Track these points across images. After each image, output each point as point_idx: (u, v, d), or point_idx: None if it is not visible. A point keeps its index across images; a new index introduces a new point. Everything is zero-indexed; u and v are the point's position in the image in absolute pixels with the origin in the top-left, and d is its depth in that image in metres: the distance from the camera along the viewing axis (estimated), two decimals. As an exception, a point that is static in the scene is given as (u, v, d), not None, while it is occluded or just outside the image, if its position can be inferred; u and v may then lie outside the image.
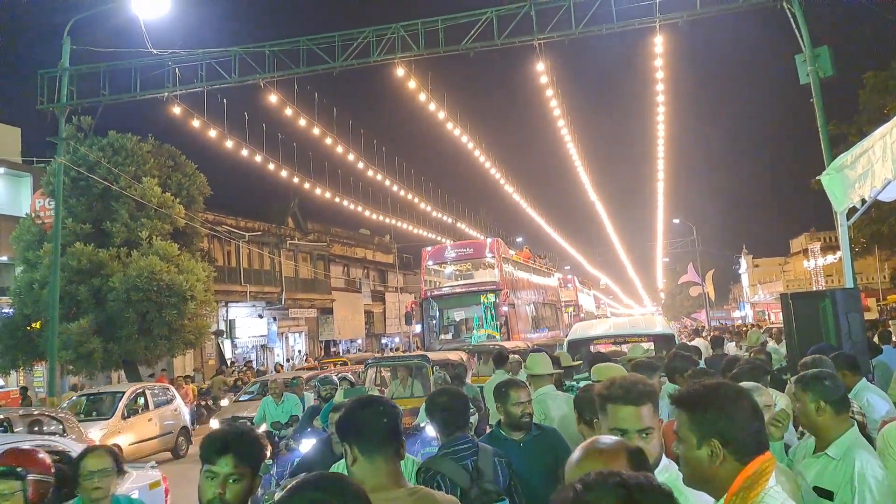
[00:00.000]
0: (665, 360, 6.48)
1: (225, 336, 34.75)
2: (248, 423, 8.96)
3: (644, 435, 2.43)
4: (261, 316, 38.31)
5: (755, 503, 1.96)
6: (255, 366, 34.23)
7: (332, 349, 45.24)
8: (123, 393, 15.21)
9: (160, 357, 20.98)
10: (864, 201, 6.88)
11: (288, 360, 38.79)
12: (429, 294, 23.88)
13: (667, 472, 2.47)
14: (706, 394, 2.10)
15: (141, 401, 15.48)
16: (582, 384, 6.18)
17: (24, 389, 20.89)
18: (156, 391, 16.48)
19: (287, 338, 42.30)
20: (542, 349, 13.58)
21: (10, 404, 20.58)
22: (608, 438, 2.06)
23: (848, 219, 8.02)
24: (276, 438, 9.78)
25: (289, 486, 1.88)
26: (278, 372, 24.70)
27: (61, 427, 11.28)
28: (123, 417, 14.63)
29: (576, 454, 1.88)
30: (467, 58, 16.60)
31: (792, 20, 13.24)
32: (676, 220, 51.30)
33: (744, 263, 74.46)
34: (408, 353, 23.78)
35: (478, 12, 15.75)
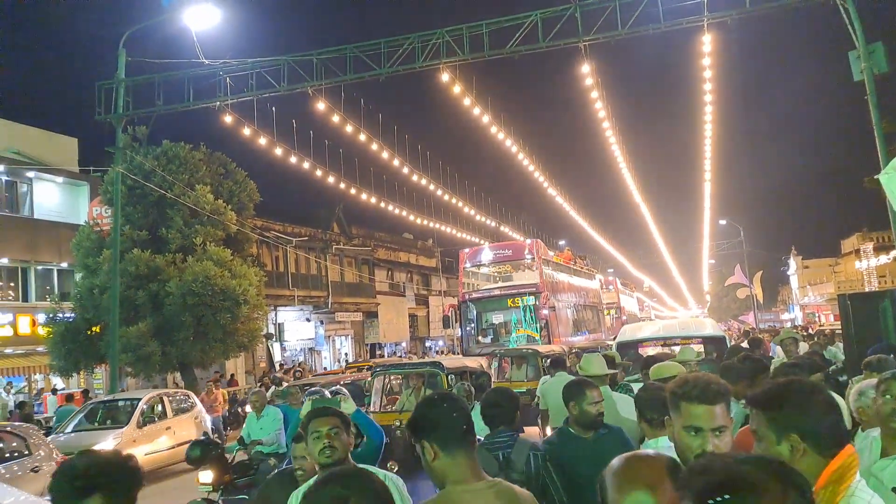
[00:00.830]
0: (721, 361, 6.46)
1: (274, 339, 35.39)
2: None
3: (717, 433, 2.44)
4: (308, 320, 38.91)
5: (846, 496, 1.97)
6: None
7: (378, 352, 45.64)
8: (140, 400, 14.47)
9: (215, 359, 21.50)
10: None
11: (337, 363, 39.32)
12: (466, 297, 23.56)
13: None
14: (780, 391, 2.14)
15: (159, 408, 14.82)
16: (635, 386, 6.22)
17: (85, 392, 21.55)
18: (176, 398, 15.84)
19: (334, 341, 42.83)
20: (595, 350, 13.45)
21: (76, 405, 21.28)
22: (648, 451, 2.15)
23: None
24: (249, 459, 9.47)
25: (315, 480, 1.92)
26: (301, 373, 24.78)
27: (24, 443, 10.03)
28: (139, 426, 13.89)
29: (615, 463, 1.87)
30: (511, 61, 16.71)
31: (845, 16, 13.00)
32: (723, 221, 50.42)
33: (793, 265, 72.74)
34: (424, 360, 23.39)
35: (522, 16, 15.76)
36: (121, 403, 14.84)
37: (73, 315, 20.84)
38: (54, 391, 23.16)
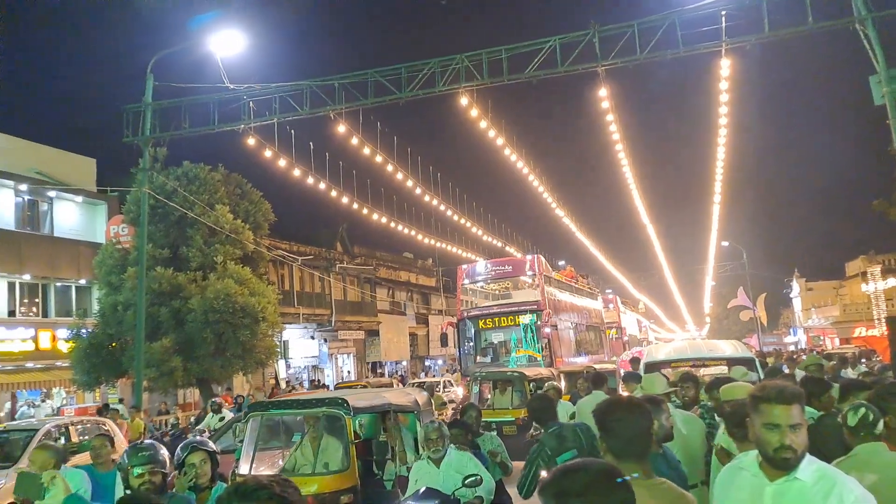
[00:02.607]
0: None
1: (279, 357, 35.67)
2: None
3: (793, 429, 2.73)
4: (313, 337, 39.15)
5: None
6: (305, 386, 35.01)
7: (378, 370, 45.90)
8: (36, 431, 11.69)
9: (233, 375, 21.86)
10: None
11: (340, 381, 39.56)
12: (465, 314, 22.44)
13: (814, 464, 2.80)
14: None
15: (63, 441, 12.04)
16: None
17: (106, 406, 21.83)
18: (86, 428, 13.14)
19: (336, 359, 43.07)
20: (598, 373, 13.48)
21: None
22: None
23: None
24: None
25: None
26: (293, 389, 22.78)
27: None
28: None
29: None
30: (527, 85, 17.21)
31: (865, 41, 13.28)
32: (725, 243, 50.63)
33: (796, 287, 71.60)
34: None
35: (541, 41, 16.02)
36: (13, 437, 12.02)
37: (87, 330, 21.00)
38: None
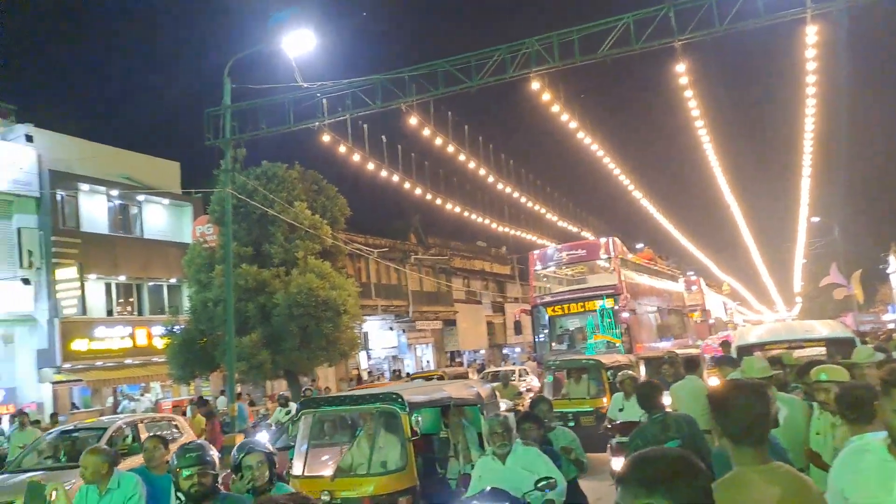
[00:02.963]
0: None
1: (360, 348, 36.41)
2: None
3: None
4: (391, 328, 39.84)
5: None
6: (387, 377, 35.61)
7: (457, 359, 46.25)
8: (105, 430, 11.61)
9: (318, 366, 22.48)
10: None
11: (420, 371, 40.06)
12: (538, 301, 21.99)
13: None
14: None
15: (130, 440, 12.06)
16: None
17: (200, 398, 22.77)
18: (157, 425, 13.04)
19: (415, 349, 43.68)
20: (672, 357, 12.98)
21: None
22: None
23: None
24: None
25: (633, 457, 1.97)
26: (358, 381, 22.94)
27: None
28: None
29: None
30: (599, 66, 16.89)
31: None
32: (816, 219, 48.64)
33: (893, 262, 69.28)
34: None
35: (613, 19, 15.63)
36: (82, 435, 11.95)
37: (179, 327, 21.88)
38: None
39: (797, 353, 10.38)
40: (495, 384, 14.93)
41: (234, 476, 4.30)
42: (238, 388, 23.84)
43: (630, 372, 10.09)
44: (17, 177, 23.13)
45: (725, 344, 17.72)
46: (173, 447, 10.40)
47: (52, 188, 23.91)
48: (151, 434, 6.90)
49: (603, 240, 23.85)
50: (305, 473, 6.70)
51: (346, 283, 21.41)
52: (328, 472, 6.85)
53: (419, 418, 6.62)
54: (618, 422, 9.46)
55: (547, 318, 21.73)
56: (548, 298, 22.26)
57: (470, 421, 7.61)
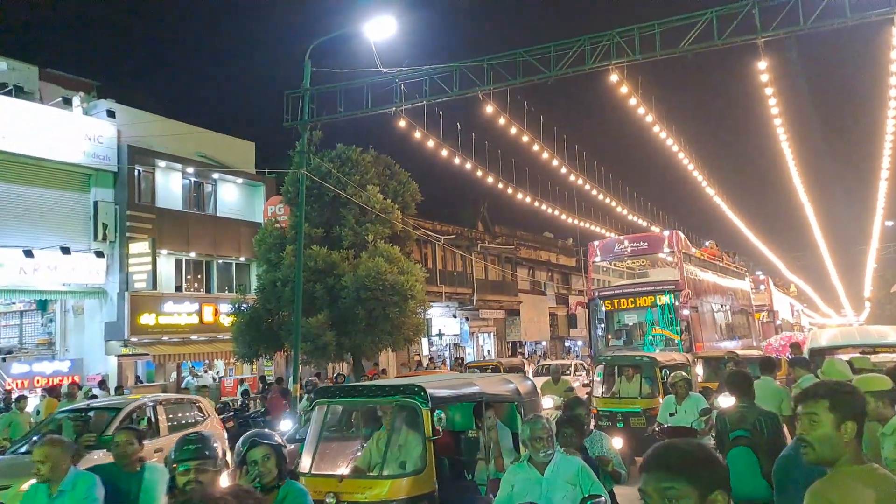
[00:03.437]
0: None
1: (424, 334, 36.81)
2: None
3: None
4: (454, 316, 40.10)
5: None
6: (449, 365, 35.90)
7: (518, 350, 46.31)
8: (119, 410, 10.84)
9: (383, 350, 22.84)
10: None
11: (483, 359, 40.29)
12: (596, 294, 21.54)
13: None
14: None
15: (145, 423, 11.09)
16: None
17: (262, 378, 23.52)
18: (178, 407, 12.40)
19: (477, 338, 43.90)
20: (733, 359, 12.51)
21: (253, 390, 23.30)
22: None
23: None
24: None
25: (656, 446, 2.16)
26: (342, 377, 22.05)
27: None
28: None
29: None
30: (678, 60, 16.76)
31: None
32: (890, 223, 47.55)
33: None
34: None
35: (696, 14, 15.67)
36: (98, 415, 11.15)
37: (246, 305, 22.48)
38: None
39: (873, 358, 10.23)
40: (545, 378, 14.66)
41: (239, 471, 3.90)
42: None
43: (684, 373, 9.72)
44: (96, 151, 24.11)
45: (795, 346, 17.42)
46: (199, 429, 10.56)
47: (130, 163, 24.93)
48: (123, 427, 5.84)
49: (666, 233, 23.29)
50: (313, 471, 6.05)
51: (414, 269, 21.79)
52: (338, 471, 6.29)
53: (442, 415, 5.91)
54: (667, 426, 9.06)
55: (604, 311, 21.25)
56: (606, 291, 21.85)
57: (505, 420, 7.08)
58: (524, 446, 5.03)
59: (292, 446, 8.57)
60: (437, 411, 5.87)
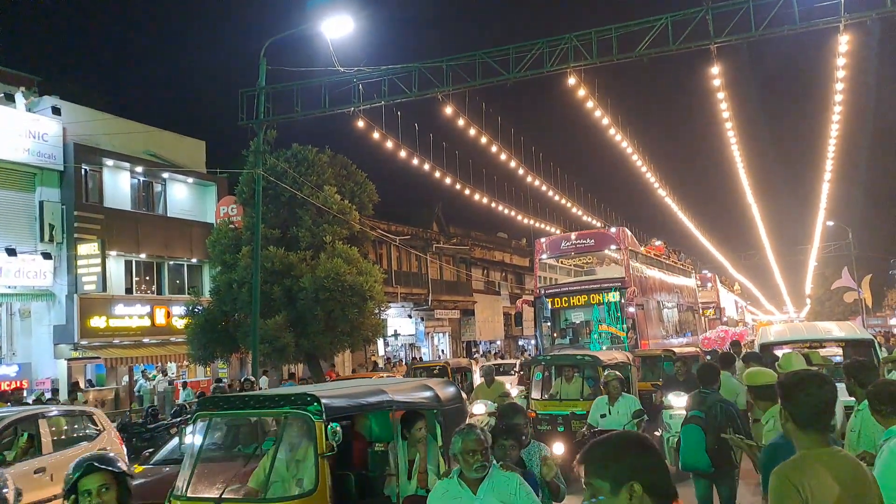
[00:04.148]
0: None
1: (381, 335, 36.83)
2: None
3: None
4: (409, 316, 40.26)
5: None
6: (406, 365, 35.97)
7: (473, 350, 46.68)
8: None
9: (341, 351, 22.86)
10: None
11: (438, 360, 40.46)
12: (542, 292, 21.09)
13: None
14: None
15: (25, 439, 9.59)
16: None
17: (218, 380, 23.25)
18: (66, 420, 11.06)
19: (433, 338, 44.15)
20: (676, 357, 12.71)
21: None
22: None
23: None
24: None
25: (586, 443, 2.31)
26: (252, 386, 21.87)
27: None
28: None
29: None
30: (633, 64, 17.26)
31: None
32: (831, 223, 49.33)
33: None
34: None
35: (652, 19, 16.24)
36: None
37: (199, 308, 22.38)
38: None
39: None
40: (479, 382, 14.24)
41: (65, 503, 3.25)
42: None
43: (616, 372, 9.34)
44: (41, 149, 23.56)
45: (735, 343, 18.01)
46: (91, 447, 9.66)
47: (77, 162, 24.46)
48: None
49: (613, 230, 23.14)
50: (188, 494, 5.37)
51: (373, 269, 21.98)
52: (217, 493, 5.51)
53: (338, 428, 5.04)
54: (597, 429, 8.60)
55: (550, 309, 20.77)
56: (552, 289, 21.43)
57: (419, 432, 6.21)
58: (454, 460, 4.46)
59: (168, 469, 8.18)
60: (332, 424, 5.04)
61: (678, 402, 10.83)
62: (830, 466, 2.82)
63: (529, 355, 41.69)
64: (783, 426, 3.08)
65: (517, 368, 25.34)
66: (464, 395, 7.55)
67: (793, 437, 3.01)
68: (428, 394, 6.26)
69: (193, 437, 5.64)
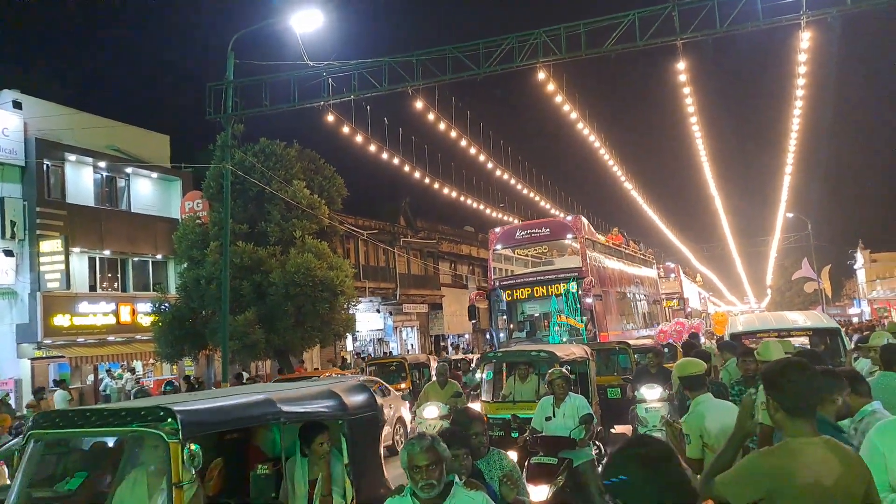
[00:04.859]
0: None
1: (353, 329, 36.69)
2: None
3: None
4: (378, 311, 40.26)
5: None
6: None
7: (442, 344, 46.84)
8: None
9: (312, 347, 22.81)
10: None
11: (408, 354, 40.54)
12: (496, 283, 20.46)
13: None
14: None
15: None
16: None
17: (187, 378, 23.09)
18: None
19: (401, 332, 44.18)
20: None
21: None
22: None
23: None
24: None
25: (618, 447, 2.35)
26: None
27: None
28: None
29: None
30: (602, 59, 17.58)
31: None
32: (790, 215, 50.59)
33: (860, 258, 72.62)
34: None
35: (620, 15, 16.61)
36: None
37: (166, 305, 22.16)
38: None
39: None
40: (431, 382, 12.81)
41: None
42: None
43: (562, 369, 8.37)
44: (2, 144, 23.29)
45: (694, 335, 18.18)
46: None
47: (38, 157, 24.14)
48: None
49: (569, 218, 22.52)
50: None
51: (343, 264, 22.05)
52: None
53: (199, 451, 3.79)
54: (541, 435, 7.72)
55: (505, 302, 20.05)
56: (507, 281, 20.78)
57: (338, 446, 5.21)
58: (409, 478, 3.74)
59: None
60: (192, 445, 3.82)
61: (651, 394, 11.01)
62: (820, 453, 2.89)
63: (492, 347, 41.81)
64: (772, 417, 3.08)
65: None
66: (404, 400, 5.92)
67: (782, 425, 3.04)
68: (330, 402, 5.15)
69: (24, 461, 4.45)
